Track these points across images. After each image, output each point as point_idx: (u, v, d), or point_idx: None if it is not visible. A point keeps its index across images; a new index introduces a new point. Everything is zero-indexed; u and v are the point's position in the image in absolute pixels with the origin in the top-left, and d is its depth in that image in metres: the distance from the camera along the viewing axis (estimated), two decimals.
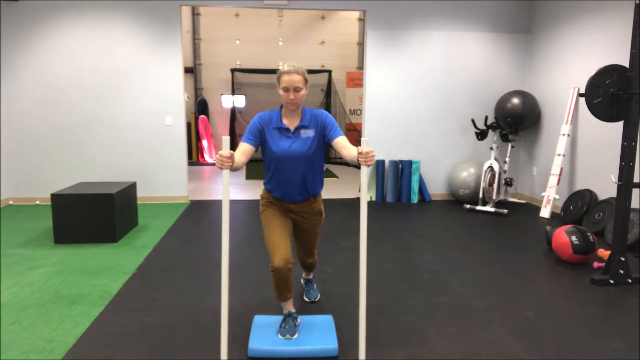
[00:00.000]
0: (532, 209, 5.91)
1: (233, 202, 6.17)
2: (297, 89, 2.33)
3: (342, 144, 2.36)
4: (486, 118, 5.90)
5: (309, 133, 2.43)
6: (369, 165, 2.09)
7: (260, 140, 2.44)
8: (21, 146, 5.91)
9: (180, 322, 2.75)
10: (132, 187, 4.77)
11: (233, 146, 10.54)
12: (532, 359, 2.38)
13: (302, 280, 3.11)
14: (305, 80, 2.37)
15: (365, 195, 2.13)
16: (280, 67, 2.36)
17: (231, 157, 2.10)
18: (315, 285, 3.08)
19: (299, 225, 2.65)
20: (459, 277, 3.52)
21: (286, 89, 2.33)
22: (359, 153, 2.08)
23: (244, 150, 2.36)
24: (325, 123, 2.44)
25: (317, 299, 3.03)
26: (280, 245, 2.41)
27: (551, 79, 5.89)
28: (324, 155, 2.54)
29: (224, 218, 2.12)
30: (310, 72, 10.48)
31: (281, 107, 2.47)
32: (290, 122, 2.44)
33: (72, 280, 3.38)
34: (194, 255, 3.95)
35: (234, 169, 2.20)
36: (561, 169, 5.43)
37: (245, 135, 2.42)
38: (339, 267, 3.69)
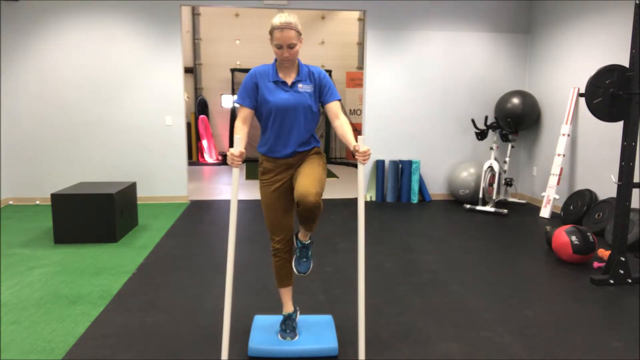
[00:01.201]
0: (532, 209, 5.91)
1: None
2: (291, 46, 2.20)
3: (335, 112, 2.28)
4: (486, 118, 5.90)
5: (307, 88, 2.32)
6: (365, 163, 2.13)
7: (256, 99, 2.31)
8: (21, 146, 5.91)
9: (180, 322, 2.75)
10: (132, 187, 4.77)
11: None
12: (532, 359, 2.38)
13: (296, 244, 2.53)
14: (299, 33, 2.23)
15: (363, 192, 2.15)
16: (273, 20, 2.21)
17: (241, 156, 2.14)
18: (310, 253, 2.55)
19: (299, 165, 2.41)
20: (459, 277, 3.52)
21: (280, 46, 2.21)
22: (356, 151, 2.11)
23: (245, 116, 2.29)
24: (323, 83, 2.33)
25: (308, 271, 2.55)
26: (280, 227, 2.42)
27: (551, 79, 5.89)
28: (318, 116, 2.43)
29: (231, 216, 2.17)
30: None
31: (275, 60, 2.34)
32: (286, 76, 2.32)
33: (72, 280, 3.38)
34: (194, 255, 3.95)
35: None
36: (561, 169, 5.43)
37: (241, 96, 2.30)
38: (339, 267, 3.69)
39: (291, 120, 2.31)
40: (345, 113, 10.74)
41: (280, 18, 2.20)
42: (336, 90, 2.36)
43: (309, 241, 2.52)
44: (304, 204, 2.16)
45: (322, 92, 2.34)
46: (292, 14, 2.23)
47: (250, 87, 2.30)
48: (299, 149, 2.37)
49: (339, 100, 2.36)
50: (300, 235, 2.51)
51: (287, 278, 2.52)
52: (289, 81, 2.31)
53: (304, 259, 2.54)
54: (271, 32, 2.22)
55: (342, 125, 2.25)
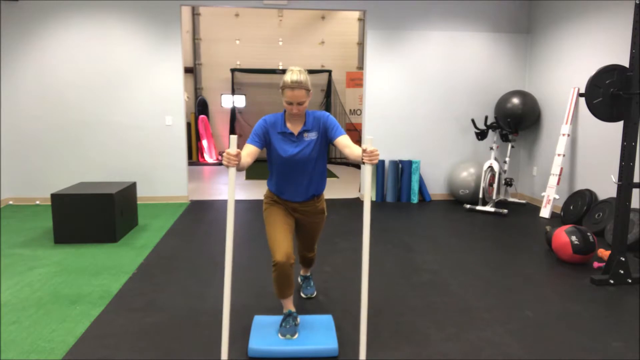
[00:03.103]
0: (532, 209, 5.91)
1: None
2: (300, 103, 2.38)
3: (344, 143, 2.41)
4: (486, 118, 5.90)
5: (311, 136, 2.49)
6: (373, 164, 2.11)
7: (265, 142, 2.49)
8: (21, 146, 5.91)
9: (180, 322, 2.75)
10: (132, 187, 4.77)
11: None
12: (532, 359, 2.38)
13: (299, 278, 3.18)
14: (308, 90, 2.41)
15: (369, 193, 2.13)
16: (285, 77, 2.36)
17: (238, 156, 2.14)
18: (312, 282, 3.14)
19: (302, 223, 2.71)
20: (459, 277, 3.52)
21: (290, 103, 2.38)
22: (364, 151, 2.11)
23: (250, 151, 2.40)
24: (327, 125, 2.49)
25: (314, 295, 3.11)
26: (282, 242, 2.45)
27: (551, 79, 5.89)
28: (326, 155, 2.60)
29: (229, 215, 2.15)
30: (310, 72, 10.40)
31: (285, 110, 2.51)
32: (293, 127, 2.49)
33: (72, 280, 3.38)
34: (194, 255, 3.96)
35: (239, 168, 2.22)
36: (561, 169, 5.43)
37: (251, 137, 2.47)
38: (339, 267, 3.69)
39: (299, 171, 2.51)
40: (345, 113, 10.75)
41: (292, 76, 2.34)
42: (341, 127, 2.52)
43: (309, 274, 3.14)
44: (304, 257, 2.94)
45: (328, 132, 2.50)
46: (303, 71, 2.38)
47: (261, 133, 2.47)
48: (307, 197, 2.60)
49: (345, 134, 2.48)
50: (301, 272, 3.13)
51: (288, 289, 2.52)
52: (296, 131, 2.48)
53: (309, 287, 3.10)
54: (282, 89, 2.37)
55: (352, 149, 2.36)
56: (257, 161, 10.53)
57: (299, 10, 7.23)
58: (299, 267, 3.53)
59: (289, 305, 2.57)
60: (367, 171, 2.12)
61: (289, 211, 2.65)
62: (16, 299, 3.05)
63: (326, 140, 2.54)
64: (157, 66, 5.95)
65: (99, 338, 2.55)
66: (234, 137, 2.13)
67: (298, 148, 2.48)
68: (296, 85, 2.34)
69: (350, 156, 2.34)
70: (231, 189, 2.15)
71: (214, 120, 11.10)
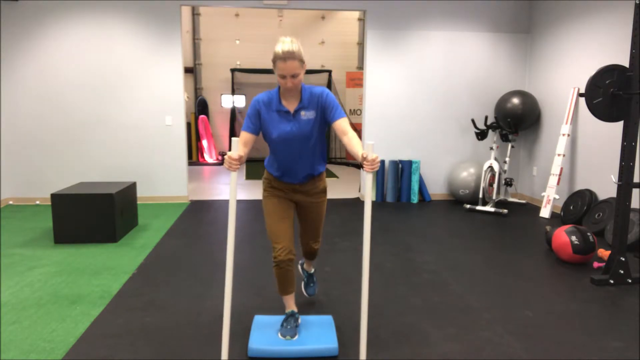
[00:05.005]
0: (532, 209, 5.91)
1: None
2: (294, 75, 2.20)
3: (343, 129, 2.26)
4: (486, 118, 5.90)
5: (309, 115, 2.31)
6: (374, 172, 2.07)
7: (259, 125, 2.34)
8: (21, 146, 5.91)
9: (180, 322, 2.75)
10: (132, 187, 4.77)
11: None
12: (532, 359, 2.38)
13: (302, 273, 2.98)
14: (302, 62, 2.22)
15: (370, 199, 2.09)
16: (276, 48, 2.20)
17: (239, 160, 2.10)
18: (315, 279, 2.98)
19: (303, 206, 2.54)
20: (459, 277, 3.52)
21: (283, 77, 2.20)
22: (364, 159, 2.02)
23: (246, 140, 2.29)
24: (326, 104, 2.31)
25: (315, 294, 3.01)
26: (282, 236, 2.41)
27: (551, 79, 5.89)
28: (325, 134, 2.42)
29: (230, 219, 2.14)
30: (311, 72, 10.50)
31: (279, 87, 2.33)
32: (289, 104, 2.32)
33: (72, 280, 3.38)
34: (194, 255, 3.96)
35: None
36: (561, 169, 5.43)
37: (245, 123, 2.33)
38: (339, 267, 3.69)
39: (297, 151, 2.34)
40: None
41: (283, 46, 2.17)
42: (341, 108, 2.33)
43: (313, 270, 2.97)
44: (308, 249, 2.73)
45: (326, 113, 2.32)
46: (295, 41, 2.20)
47: (253, 116, 2.32)
48: (306, 178, 2.45)
49: (345, 117, 2.31)
50: (305, 267, 2.96)
51: (290, 286, 2.51)
52: (292, 109, 2.30)
53: (311, 284, 2.98)
54: (274, 61, 2.21)
55: (350, 140, 2.21)
56: (256, 161, 10.53)
57: (299, 10, 7.23)
58: (298, 267, 3.53)
59: (291, 304, 2.56)
60: (368, 180, 2.08)
61: (289, 195, 2.49)
62: (16, 299, 3.05)
63: (325, 120, 2.35)
64: (157, 66, 5.95)
65: (99, 338, 2.55)
66: (235, 140, 2.09)
67: (295, 127, 2.30)
68: (288, 55, 2.15)
69: (347, 146, 2.21)
70: (232, 193, 2.14)
71: (214, 120, 11.10)
